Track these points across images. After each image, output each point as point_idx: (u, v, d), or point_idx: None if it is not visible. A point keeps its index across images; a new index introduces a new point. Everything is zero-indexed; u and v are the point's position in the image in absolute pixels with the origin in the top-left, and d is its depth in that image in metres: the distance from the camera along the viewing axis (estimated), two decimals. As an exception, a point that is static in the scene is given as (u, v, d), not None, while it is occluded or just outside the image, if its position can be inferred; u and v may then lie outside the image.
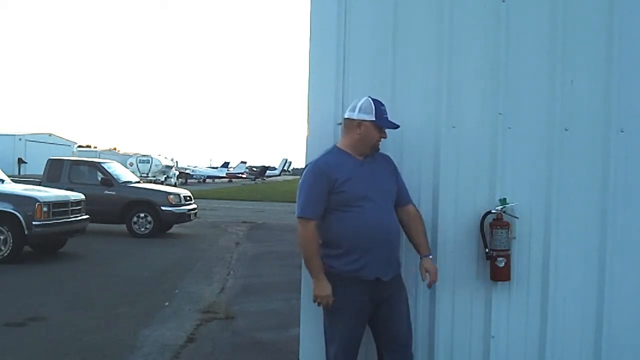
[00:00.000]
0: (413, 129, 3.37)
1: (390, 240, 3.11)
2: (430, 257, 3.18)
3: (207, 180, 57.38)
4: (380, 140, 3.12)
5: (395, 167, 3.24)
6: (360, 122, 3.07)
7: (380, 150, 3.25)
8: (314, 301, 3.08)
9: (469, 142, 3.36)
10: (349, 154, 3.12)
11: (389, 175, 3.18)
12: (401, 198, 3.20)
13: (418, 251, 3.19)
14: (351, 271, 3.03)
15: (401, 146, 3.36)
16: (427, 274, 3.14)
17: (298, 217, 3.06)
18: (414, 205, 3.24)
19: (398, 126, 3.13)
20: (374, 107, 3.06)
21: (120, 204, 13.72)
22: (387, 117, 3.10)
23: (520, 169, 3.34)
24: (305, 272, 3.37)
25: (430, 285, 3.18)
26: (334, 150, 3.16)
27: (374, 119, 3.05)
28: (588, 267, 3.33)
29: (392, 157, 3.32)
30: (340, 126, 3.36)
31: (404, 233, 3.22)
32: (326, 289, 3.03)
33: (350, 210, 3.02)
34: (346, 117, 3.14)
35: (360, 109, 3.08)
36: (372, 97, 3.11)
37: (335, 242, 3.06)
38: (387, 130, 3.15)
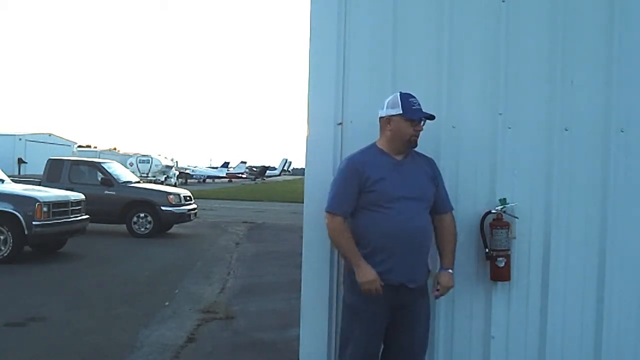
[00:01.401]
0: (413, 129, 3.36)
1: (419, 245, 3.03)
2: (450, 271, 3.10)
3: (207, 180, 57.36)
4: (416, 135, 3.03)
5: (439, 172, 3.18)
6: (389, 118, 3.03)
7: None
8: (364, 289, 2.95)
9: (469, 142, 3.36)
10: (387, 153, 3.07)
11: (426, 179, 3.10)
12: (439, 205, 3.13)
13: (440, 262, 3.15)
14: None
15: (401, 146, 3.35)
16: (438, 286, 3.09)
17: (326, 211, 3.05)
18: (452, 215, 3.16)
19: (432, 116, 3.05)
20: (400, 100, 3.01)
21: (120, 204, 13.72)
22: (417, 108, 3.02)
23: (520, 169, 3.34)
24: (305, 272, 3.38)
25: (436, 297, 3.14)
26: (372, 148, 3.11)
27: (401, 112, 2.99)
28: (588, 267, 3.33)
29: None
30: (340, 126, 3.37)
31: (436, 241, 3.16)
32: (370, 273, 2.94)
33: (380, 211, 2.97)
34: (379, 117, 3.10)
35: (387, 105, 3.05)
36: (402, 92, 3.06)
37: (363, 241, 3.00)
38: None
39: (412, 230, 2.99)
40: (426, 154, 3.34)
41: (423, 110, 3.03)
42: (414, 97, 3.04)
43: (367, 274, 2.94)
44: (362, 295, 2.97)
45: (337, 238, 3.05)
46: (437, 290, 3.11)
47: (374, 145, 3.12)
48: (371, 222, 2.99)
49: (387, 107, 3.05)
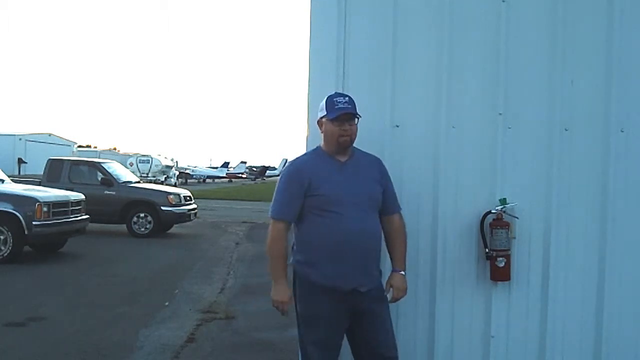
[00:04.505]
0: (413, 129, 3.37)
1: (369, 248, 2.96)
2: (402, 273, 3.05)
3: (207, 180, 57.38)
4: (344, 135, 2.93)
5: (385, 172, 3.09)
6: (320, 121, 3.02)
7: (379, 150, 3.25)
8: (273, 305, 3.00)
9: (469, 142, 3.36)
10: (330, 155, 3.01)
11: (372, 180, 3.03)
12: (387, 206, 3.06)
13: (392, 263, 3.10)
14: (326, 280, 2.90)
15: (401, 146, 3.36)
16: (391, 289, 3.04)
17: (271, 217, 3.00)
18: (401, 216, 3.11)
19: (349, 113, 2.91)
20: (325, 103, 2.98)
21: (120, 204, 13.73)
22: (338, 107, 2.92)
23: (520, 169, 3.34)
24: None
25: (394, 301, 3.07)
26: (317, 151, 3.07)
27: (325, 113, 2.96)
28: (588, 267, 3.33)
29: (391, 157, 3.31)
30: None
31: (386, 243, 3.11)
32: (283, 294, 2.95)
33: (326, 215, 2.89)
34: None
35: (320, 108, 3.03)
36: (333, 93, 3.05)
37: (310, 248, 2.94)
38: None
39: (360, 234, 2.90)
40: (426, 155, 3.34)
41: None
42: (342, 97, 2.99)
43: (281, 294, 2.97)
44: (319, 302, 2.92)
45: (273, 247, 2.96)
46: (392, 293, 3.05)
47: (318, 147, 3.07)
48: (316, 228, 2.91)
49: (319, 111, 3.03)
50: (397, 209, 3.12)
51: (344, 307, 2.94)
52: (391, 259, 3.12)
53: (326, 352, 2.98)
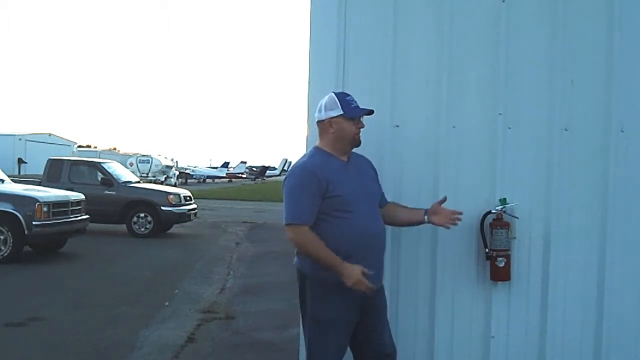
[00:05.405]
0: (413, 129, 3.37)
1: (382, 245, 3.01)
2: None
3: (207, 180, 57.35)
4: (359, 133, 2.98)
5: (376, 172, 3.14)
6: (329, 121, 2.96)
7: (379, 150, 3.25)
8: (354, 288, 2.77)
9: (469, 142, 3.36)
10: (333, 155, 2.98)
11: (372, 179, 3.08)
12: (381, 201, 3.12)
13: (418, 214, 3.09)
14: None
15: (401, 146, 3.36)
16: (437, 215, 3.05)
17: (288, 225, 2.86)
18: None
19: (371, 111, 3.00)
20: (338, 101, 2.94)
21: (120, 204, 13.72)
22: (355, 106, 2.96)
23: (520, 169, 3.34)
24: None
25: (455, 223, 3.06)
26: (318, 152, 3.00)
27: (341, 112, 2.93)
28: (588, 268, 3.33)
29: (391, 157, 3.33)
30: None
31: (398, 222, 3.16)
32: (355, 273, 2.76)
33: (342, 216, 2.88)
34: (316, 120, 3.03)
35: (325, 107, 2.97)
36: (335, 92, 3.04)
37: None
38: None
39: (375, 232, 2.94)
40: (426, 155, 3.35)
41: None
42: (350, 95, 3.01)
43: (355, 274, 2.77)
44: (335, 304, 2.89)
45: (312, 247, 2.84)
46: (450, 217, 3.05)
47: (318, 149, 3.01)
48: (335, 228, 2.87)
49: (325, 110, 2.97)
50: (386, 200, 3.18)
51: (358, 308, 2.94)
52: (413, 213, 3.11)
53: (336, 355, 2.97)
